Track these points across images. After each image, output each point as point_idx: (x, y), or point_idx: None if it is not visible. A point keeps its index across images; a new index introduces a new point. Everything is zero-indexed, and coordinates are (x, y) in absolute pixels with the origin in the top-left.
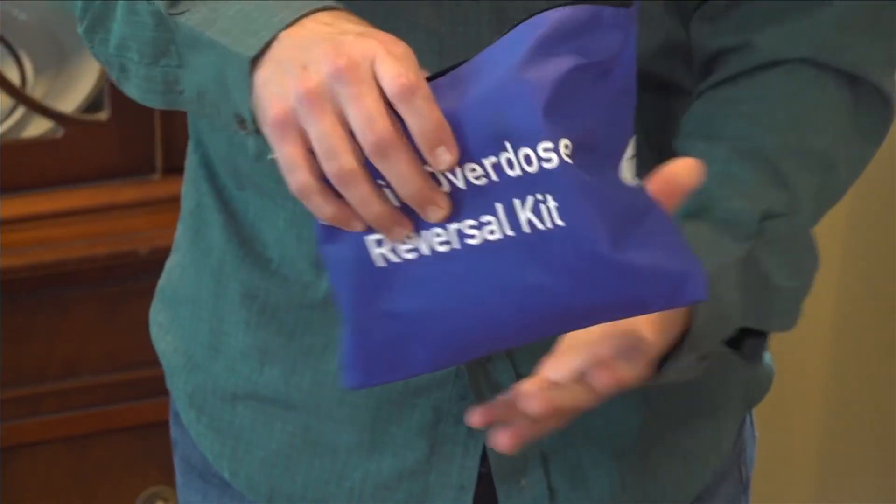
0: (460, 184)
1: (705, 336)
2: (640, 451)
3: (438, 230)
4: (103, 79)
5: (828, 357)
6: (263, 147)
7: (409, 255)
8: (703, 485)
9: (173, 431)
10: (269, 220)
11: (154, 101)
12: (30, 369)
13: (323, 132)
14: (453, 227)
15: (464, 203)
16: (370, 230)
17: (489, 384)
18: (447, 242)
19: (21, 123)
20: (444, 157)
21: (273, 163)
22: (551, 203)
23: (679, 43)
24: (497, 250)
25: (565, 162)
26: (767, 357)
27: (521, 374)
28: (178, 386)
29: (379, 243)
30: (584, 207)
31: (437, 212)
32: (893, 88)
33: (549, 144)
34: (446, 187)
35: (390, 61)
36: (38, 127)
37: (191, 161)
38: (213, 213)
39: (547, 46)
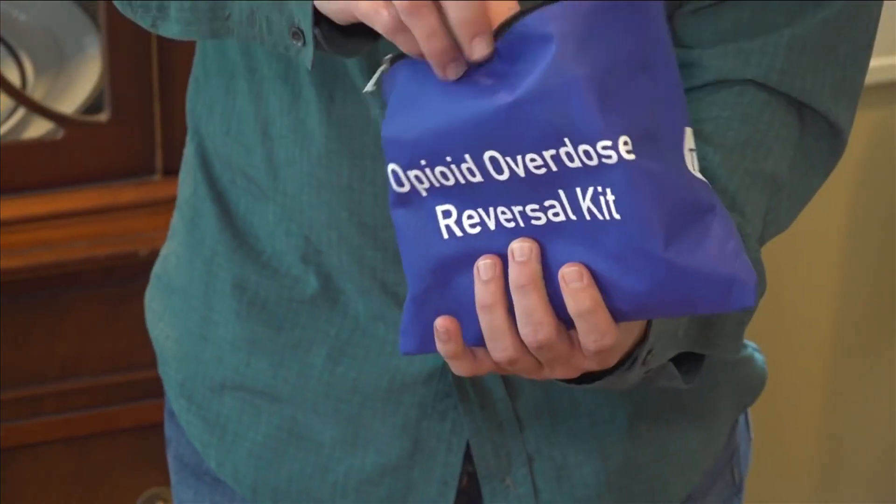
0: (520, 172)
1: (655, 352)
2: (626, 452)
3: (503, 209)
4: (103, 80)
5: (826, 358)
6: (318, 57)
7: (474, 230)
8: (693, 486)
9: (167, 429)
10: (260, 213)
11: (199, 32)
12: (30, 370)
13: None
14: (517, 209)
15: (525, 190)
16: (439, 200)
17: (473, 383)
18: (512, 220)
19: (21, 125)
20: (479, 46)
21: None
22: (609, 196)
23: None
24: (559, 231)
25: (624, 159)
26: (761, 360)
27: (505, 374)
28: (169, 374)
29: (446, 214)
30: (640, 204)
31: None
32: (844, 119)
33: (608, 143)
34: (506, 175)
35: None
36: (39, 128)
37: (188, 150)
38: (207, 202)
39: (584, 41)
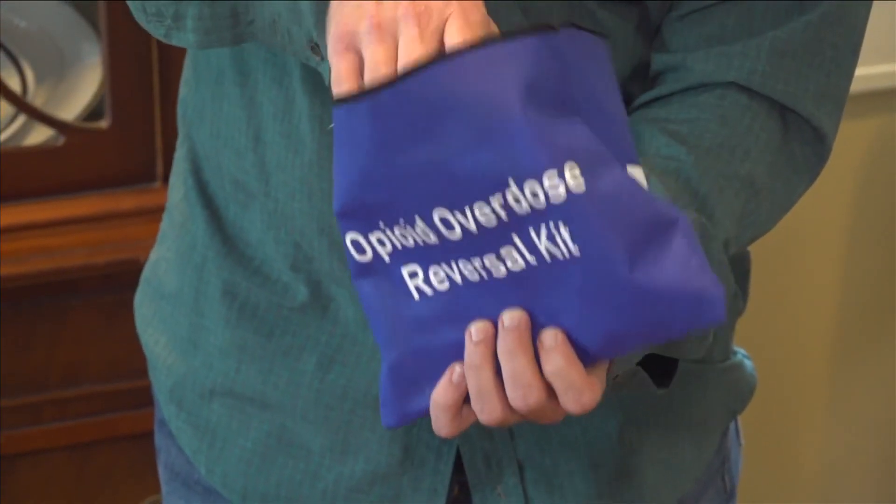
0: (472, 227)
1: (618, 357)
2: (616, 460)
3: (464, 261)
4: (104, 87)
5: (826, 362)
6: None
7: (443, 286)
8: (683, 493)
9: (157, 439)
10: (249, 219)
11: (220, 40)
12: (30, 378)
13: (374, 57)
14: (477, 262)
15: (480, 241)
16: (403, 261)
17: None
18: (475, 272)
19: (22, 131)
20: None
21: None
22: (564, 232)
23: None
24: (522, 279)
25: (573, 193)
26: (750, 366)
27: None
28: (159, 379)
29: (413, 275)
30: (597, 232)
31: None
32: (828, 125)
33: (553, 173)
34: (458, 233)
35: (461, 26)
36: (39, 135)
37: (178, 154)
38: (197, 207)
39: (514, 77)
